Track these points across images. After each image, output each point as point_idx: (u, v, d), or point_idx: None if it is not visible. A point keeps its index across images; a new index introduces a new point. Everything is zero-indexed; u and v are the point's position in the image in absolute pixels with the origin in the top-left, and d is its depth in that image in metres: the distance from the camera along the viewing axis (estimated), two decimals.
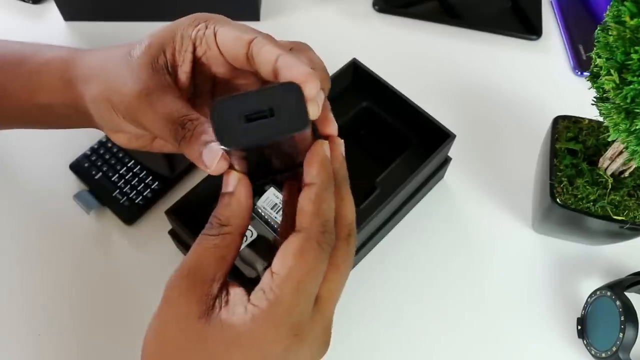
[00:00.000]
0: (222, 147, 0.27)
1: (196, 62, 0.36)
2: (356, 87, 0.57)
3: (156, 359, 0.29)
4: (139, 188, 0.55)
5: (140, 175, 0.56)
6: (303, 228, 0.28)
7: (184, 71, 0.35)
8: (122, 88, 0.34)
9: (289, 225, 0.32)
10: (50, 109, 0.39)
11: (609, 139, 0.42)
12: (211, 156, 0.30)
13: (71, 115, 0.39)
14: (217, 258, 0.29)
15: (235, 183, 0.30)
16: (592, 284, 0.53)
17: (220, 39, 0.34)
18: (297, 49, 0.34)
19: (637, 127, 0.38)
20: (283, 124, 0.27)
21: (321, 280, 0.29)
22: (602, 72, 0.39)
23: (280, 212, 0.48)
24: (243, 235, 0.30)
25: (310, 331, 0.29)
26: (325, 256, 0.28)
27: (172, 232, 0.51)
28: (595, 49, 0.40)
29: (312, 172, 0.29)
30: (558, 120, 0.53)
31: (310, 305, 0.29)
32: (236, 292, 0.29)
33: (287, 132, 0.28)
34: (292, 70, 0.30)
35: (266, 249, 0.49)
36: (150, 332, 0.29)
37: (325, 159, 0.30)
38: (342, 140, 0.32)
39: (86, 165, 0.56)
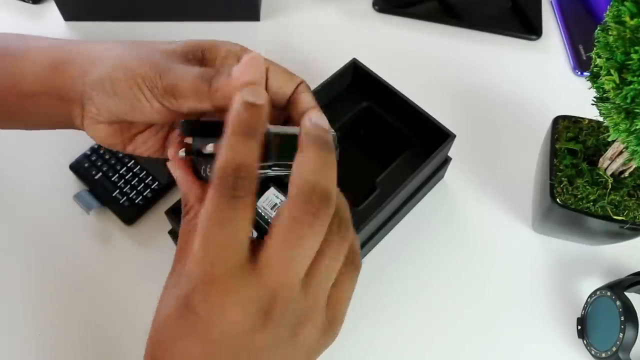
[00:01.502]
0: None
1: None
2: (356, 87, 0.57)
3: (151, 333, 0.30)
4: (139, 188, 0.55)
5: (140, 175, 0.56)
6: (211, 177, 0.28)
7: None
8: (150, 66, 0.35)
9: None
10: (32, 98, 0.38)
11: (609, 139, 0.42)
12: (244, 62, 0.32)
13: (51, 106, 0.38)
14: (190, 232, 0.31)
15: (173, 169, 0.33)
16: (592, 284, 0.53)
17: (272, 74, 0.36)
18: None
19: (637, 127, 0.38)
20: None
21: (237, 230, 0.27)
22: (602, 72, 0.39)
23: None
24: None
25: (237, 289, 0.27)
26: (230, 202, 0.26)
27: (172, 232, 0.51)
28: (595, 49, 0.40)
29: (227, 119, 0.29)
30: (558, 120, 0.53)
31: (231, 258, 0.27)
32: None
33: None
34: (318, 124, 0.32)
35: None
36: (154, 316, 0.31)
37: (238, 103, 0.29)
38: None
39: (86, 165, 0.56)
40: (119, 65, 0.35)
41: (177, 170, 0.33)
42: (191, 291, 0.27)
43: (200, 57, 0.36)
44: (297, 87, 0.36)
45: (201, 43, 0.36)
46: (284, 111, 0.37)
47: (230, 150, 0.27)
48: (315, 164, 0.28)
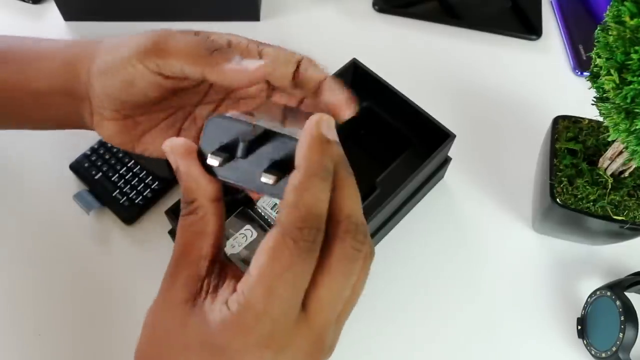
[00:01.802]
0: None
1: None
2: (356, 87, 0.56)
3: (147, 344, 0.29)
4: (139, 188, 0.55)
5: (140, 175, 0.56)
6: (279, 221, 0.25)
7: None
8: (146, 34, 0.35)
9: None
10: (46, 98, 0.38)
11: (609, 139, 0.42)
12: (248, 62, 0.32)
13: (64, 104, 0.38)
14: (196, 234, 0.28)
15: (175, 159, 0.28)
16: (592, 284, 0.53)
17: (266, 58, 0.35)
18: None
19: (637, 127, 0.38)
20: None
21: (304, 285, 0.25)
22: (602, 72, 0.39)
23: None
24: (216, 201, 0.28)
25: (290, 344, 0.26)
26: (306, 256, 0.25)
27: (172, 232, 0.51)
28: (595, 49, 0.40)
29: (299, 153, 0.25)
30: (558, 120, 0.53)
31: (290, 314, 0.25)
32: (228, 284, 0.27)
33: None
34: (334, 95, 0.34)
35: None
36: (145, 319, 0.29)
37: (316, 139, 0.25)
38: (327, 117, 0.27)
39: (86, 165, 0.56)
40: (115, 47, 0.35)
41: (181, 161, 0.28)
42: (235, 344, 0.25)
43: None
44: (299, 65, 0.35)
45: (193, 30, 0.37)
46: (298, 92, 0.37)
47: (310, 196, 0.25)
48: (355, 200, 0.27)
